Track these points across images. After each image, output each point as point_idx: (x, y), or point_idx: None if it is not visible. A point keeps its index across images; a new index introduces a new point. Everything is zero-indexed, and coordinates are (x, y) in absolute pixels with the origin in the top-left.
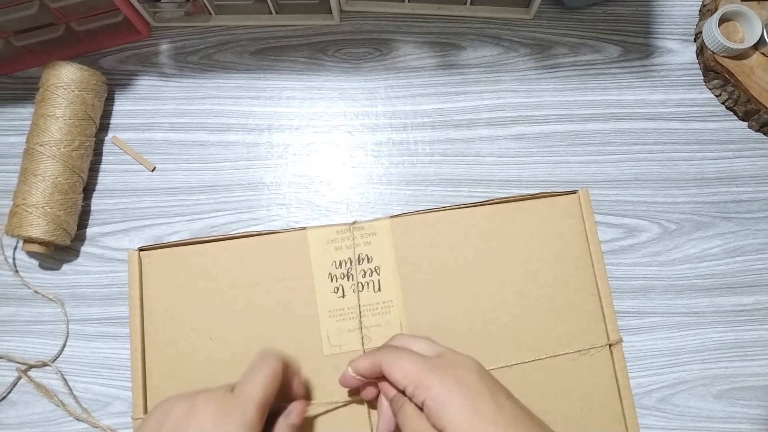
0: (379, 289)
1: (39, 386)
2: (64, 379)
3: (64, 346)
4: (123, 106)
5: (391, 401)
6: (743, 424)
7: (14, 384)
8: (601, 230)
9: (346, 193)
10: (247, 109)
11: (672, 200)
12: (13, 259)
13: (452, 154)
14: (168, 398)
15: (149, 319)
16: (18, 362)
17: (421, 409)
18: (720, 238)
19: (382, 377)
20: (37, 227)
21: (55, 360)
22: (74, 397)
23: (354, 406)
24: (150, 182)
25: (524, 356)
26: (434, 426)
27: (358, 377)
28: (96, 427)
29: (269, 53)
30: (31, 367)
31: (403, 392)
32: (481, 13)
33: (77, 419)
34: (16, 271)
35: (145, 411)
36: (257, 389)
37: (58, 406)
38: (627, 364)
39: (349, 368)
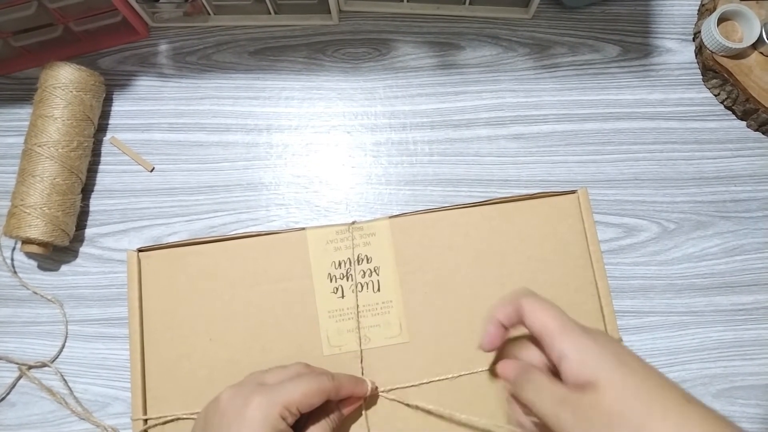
0: (379, 290)
1: (41, 384)
2: (64, 380)
3: (63, 346)
4: (122, 106)
5: (514, 384)
6: (742, 423)
7: (14, 384)
8: (601, 230)
9: (345, 193)
10: (246, 110)
11: (671, 200)
12: (12, 259)
13: (451, 154)
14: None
15: (148, 320)
16: (17, 363)
17: (554, 367)
18: (719, 237)
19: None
20: (36, 228)
21: (54, 361)
22: (74, 397)
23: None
24: (149, 183)
25: None
26: (576, 379)
27: (501, 328)
28: (98, 427)
29: (268, 53)
30: (30, 367)
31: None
32: (480, 13)
33: (80, 418)
34: (15, 272)
35: (145, 411)
36: (295, 394)
37: (60, 403)
38: None
39: (490, 324)
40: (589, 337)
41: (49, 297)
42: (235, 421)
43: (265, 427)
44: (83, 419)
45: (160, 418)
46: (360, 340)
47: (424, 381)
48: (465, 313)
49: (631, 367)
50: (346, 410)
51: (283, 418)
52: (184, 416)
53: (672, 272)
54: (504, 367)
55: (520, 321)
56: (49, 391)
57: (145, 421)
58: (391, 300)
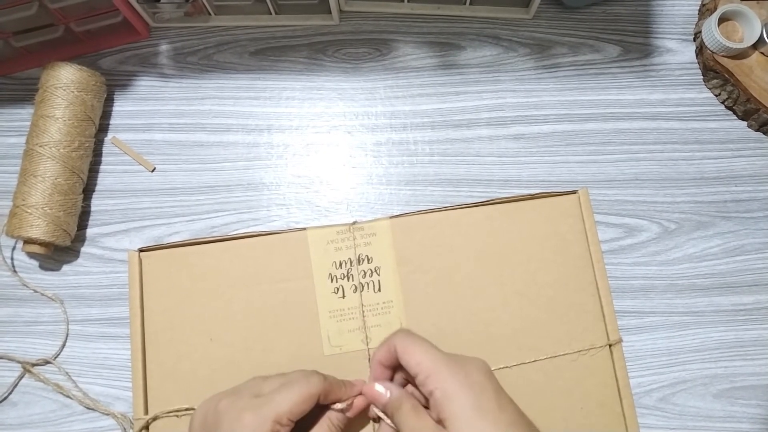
0: (379, 290)
1: (46, 380)
2: (67, 374)
3: (64, 344)
4: (122, 106)
5: (385, 407)
6: (743, 423)
7: (17, 382)
8: (601, 230)
9: (346, 193)
10: (247, 110)
11: (672, 200)
12: (11, 259)
13: (452, 154)
14: (208, 399)
15: (149, 320)
16: (19, 361)
17: (426, 399)
18: (720, 237)
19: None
20: (37, 228)
21: (56, 358)
22: (80, 389)
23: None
24: (150, 183)
25: (524, 356)
26: (437, 418)
27: (382, 368)
28: (107, 414)
29: (269, 53)
30: (33, 365)
31: (403, 384)
32: (480, 13)
33: (88, 408)
34: (14, 271)
35: (146, 411)
36: (284, 405)
37: (68, 396)
38: (627, 364)
39: (372, 366)
40: (456, 380)
41: (49, 294)
42: None
43: None
44: (91, 409)
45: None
46: (367, 339)
47: None
48: (465, 312)
49: (484, 413)
50: (352, 413)
51: None
52: (186, 415)
53: (672, 272)
54: (370, 390)
55: (396, 360)
56: (56, 385)
57: (147, 421)
58: (391, 300)
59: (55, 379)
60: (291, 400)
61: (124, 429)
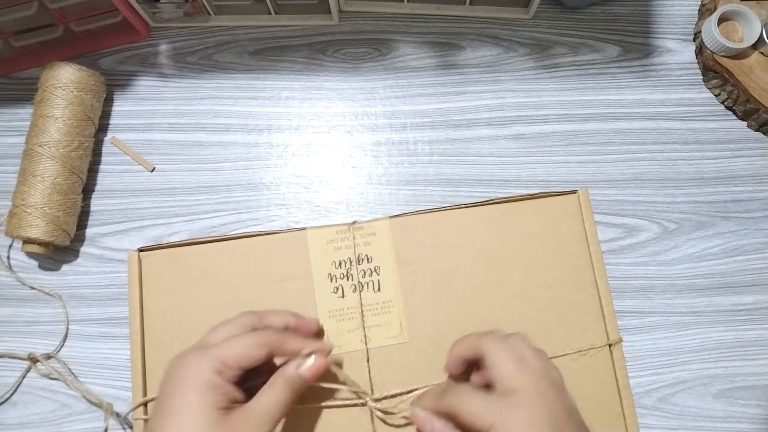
0: (379, 289)
1: (53, 369)
2: (69, 369)
3: (64, 339)
4: (122, 106)
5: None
6: (743, 423)
7: (20, 380)
8: (601, 230)
9: (345, 193)
10: (247, 110)
11: (671, 200)
12: (8, 258)
13: (452, 154)
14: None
15: (149, 320)
16: (22, 357)
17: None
18: (719, 237)
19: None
20: (37, 228)
21: (57, 352)
22: (80, 383)
23: (356, 408)
24: (149, 183)
25: None
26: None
27: (461, 364)
28: (97, 405)
29: (268, 53)
30: (36, 360)
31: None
32: (480, 13)
33: (92, 402)
34: (10, 268)
35: (146, 411)
36: (232, 350)
37: (72, 388)
38: (627, 364)
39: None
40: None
41: (47, 290)
42: (172, 382)
43: (196, 382)
44: (97, 405)
45: None
46: (365, 339)
47: (423, 386)
48: (465, 312)
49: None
50: (309, 374)
51: (219, 373)
52: None
53: (672, 272)
54: (414, 415)
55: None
56: (61, 375)
57: (146, 421)
58: (391, 300)
59: (56, 377)
60: (242, 344)
61: (114, 414)
